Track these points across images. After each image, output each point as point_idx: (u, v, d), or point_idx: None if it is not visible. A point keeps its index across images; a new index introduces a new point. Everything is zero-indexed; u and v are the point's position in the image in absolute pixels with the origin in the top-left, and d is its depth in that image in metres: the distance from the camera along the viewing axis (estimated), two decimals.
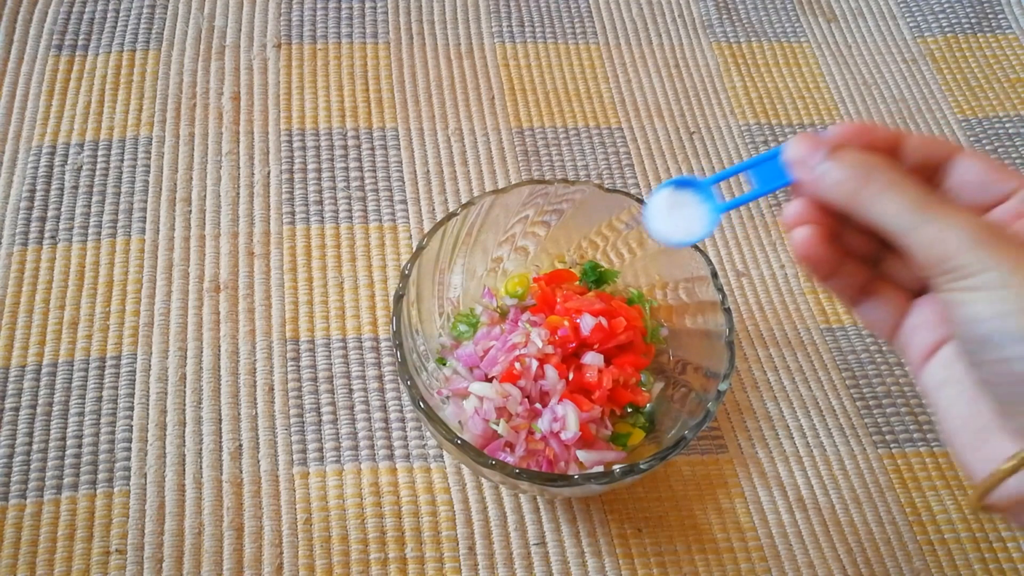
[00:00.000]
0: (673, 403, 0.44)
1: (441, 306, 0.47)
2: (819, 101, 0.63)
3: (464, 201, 0.52)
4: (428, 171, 0.56)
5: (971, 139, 0.62)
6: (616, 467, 0.38)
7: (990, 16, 0.70)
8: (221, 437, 0.45)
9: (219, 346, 0.48)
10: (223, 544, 0.42)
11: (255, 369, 0.48)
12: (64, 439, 0.45)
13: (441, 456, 0.46)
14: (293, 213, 0.54)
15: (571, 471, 0.41)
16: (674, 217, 0.32)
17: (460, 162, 0.57)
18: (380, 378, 0.48)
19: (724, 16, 0.68)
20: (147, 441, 0.45)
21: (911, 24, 0.69)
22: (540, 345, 0.43)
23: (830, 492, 0.46)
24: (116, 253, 0.51)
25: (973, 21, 0.70)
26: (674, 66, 0.64)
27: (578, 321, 0.44)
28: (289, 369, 0.48)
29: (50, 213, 0.52)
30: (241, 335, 0.49)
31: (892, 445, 0.48)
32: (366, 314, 0.50)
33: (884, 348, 0.52)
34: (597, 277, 0.48)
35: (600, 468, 0.41)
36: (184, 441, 0.45)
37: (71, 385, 0.46)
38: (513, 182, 0.56)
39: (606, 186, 0.46)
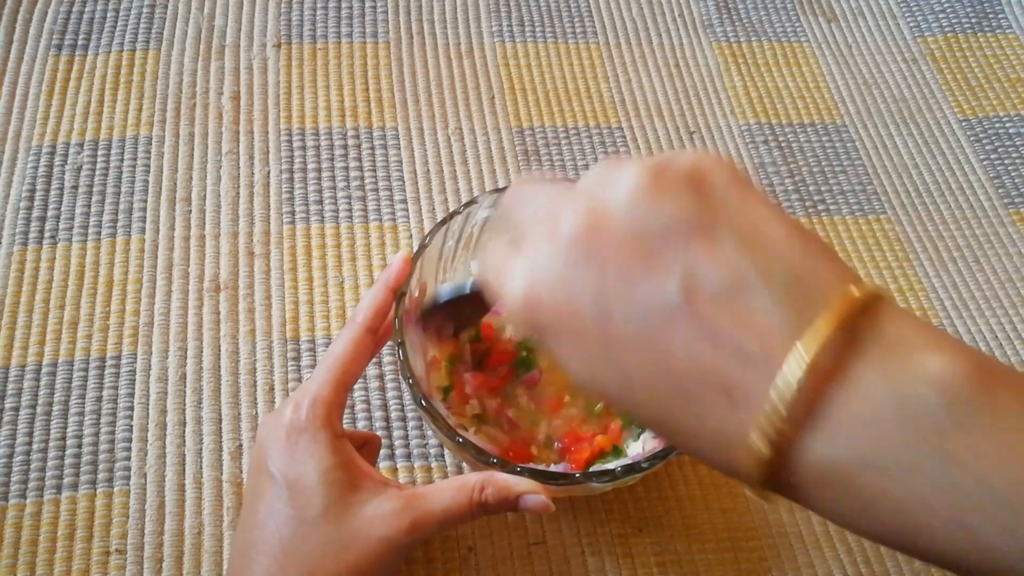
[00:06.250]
0: None
1: None
2: (819, 101, 0.63)
3: (464, 200, 0.52)
4: (428, 171, 0.56)
5: (971, 139, 0.62)
6: (616, 467, 0.38)
7: (990, 16, 0.70)
8: (221, 437, 0.45)
9: (219, 346, 0.48)
10: (223, 544, 0.42)
11: (255, 369, 0.48)
12: (64, 439, 0.45)
13: (442, 455, 0.46)
14: (293, 213, 0.54)
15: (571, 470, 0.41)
16: None
17: (460, 161, 0.57)
18: (380, 377, 0.48)
19: (724, 16, 0.68)
20: (147, 441, 0.45)
21: (911, 24, 0.69)
22: None
23: None
24: (116, 253, 0.51)
25: (973, 21, 0.70)
26: (674, 66, 0.64)
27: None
28: (289, 369, 0.48)
29: (50, 213, 0.52)
30: (241, 335, 0.49)
31: None
32: None
33: None
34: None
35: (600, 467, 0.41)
36: (184, 441, 0.45)
37: (71, 385, 0.46)
38: (513, 182, 0.56)
39: None
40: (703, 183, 0.23)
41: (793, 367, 0.20)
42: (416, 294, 0.42)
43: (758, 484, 0.21)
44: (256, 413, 0.46)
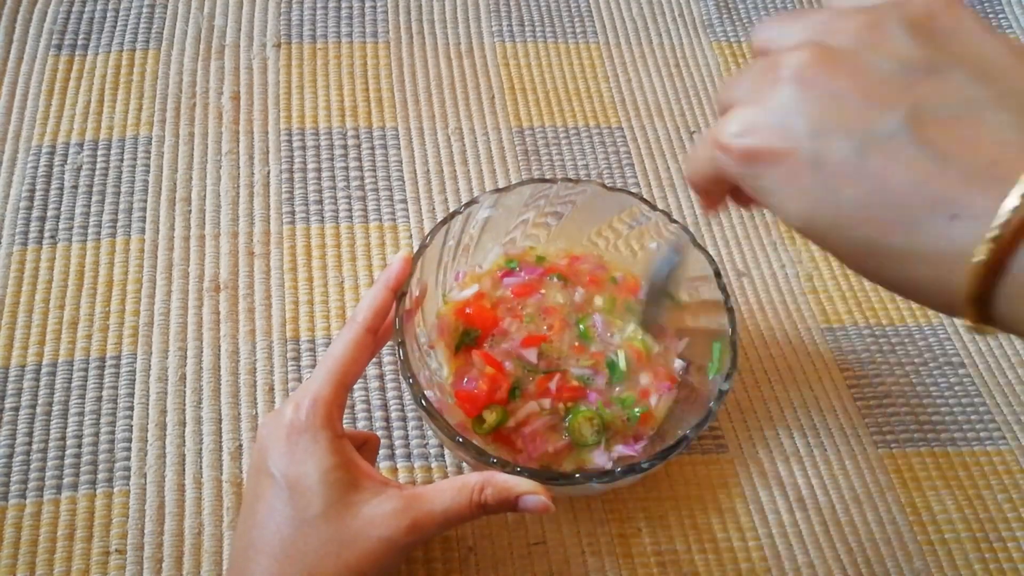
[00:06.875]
0: (675, 403, 0.44)
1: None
2: None
3: (464, 200, 0.52)
4: (428, 170, 0.56)
5: None
6: (616, 467, 0.38)
7: (990, 16, 0.70)
8: (221, 437, 0.45)
9: (219, 346, 0.48)
10: (223, 544, 0.42)
11: (255, 369, 0.48)
12: (64, 439, 0.45)
13: (442, 455, 0.46)
14: (293, 213, 0.54)
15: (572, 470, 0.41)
16: None
17: (460, 161, 0.57)
18: (381, 377, 0.48)
19: (724, 15, 0.68)
20: (147, 441, 0.45)
21: None
22: None
23: (830, 492, 0.46)
24: (116, 253, 0.51)
25: None
26: (674, 66, 0.64)
27: None
28: (289, 369, 0.48)
29: (50, 213, 0.52)
30: (241, 335, 0.49)
31: (892, 445, 0.48)
32: None
33: (884, 348, 0.52)
34: None
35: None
36: (184, 441, 0.45)
37: (71, 385, 0.46)
38: (513, 181, 0.56)
39: (608, 185, 0.46)
40: (932, 26, 0.23)
41: None
42: (416, 294, 0.42)
43: (971, 300, 0.21)
44: (256, 413, 0.46)
